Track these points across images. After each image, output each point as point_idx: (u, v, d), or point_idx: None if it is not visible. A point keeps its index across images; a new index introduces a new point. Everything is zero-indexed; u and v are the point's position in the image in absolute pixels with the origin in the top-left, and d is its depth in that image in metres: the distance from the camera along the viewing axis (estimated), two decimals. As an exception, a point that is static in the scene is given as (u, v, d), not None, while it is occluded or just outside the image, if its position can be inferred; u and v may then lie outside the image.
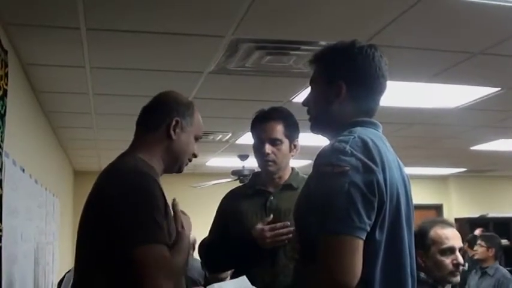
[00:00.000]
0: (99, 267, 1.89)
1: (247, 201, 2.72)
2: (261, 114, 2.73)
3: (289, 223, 2.51)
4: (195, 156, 2.19)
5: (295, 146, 2.71)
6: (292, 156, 2.72)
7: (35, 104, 4.47)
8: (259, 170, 2.80)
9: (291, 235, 2.50)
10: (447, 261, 2.54)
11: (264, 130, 2.66)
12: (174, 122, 2.07)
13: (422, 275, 2.50)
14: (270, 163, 2.65)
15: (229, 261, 2.73)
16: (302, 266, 1.76)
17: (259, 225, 2.55)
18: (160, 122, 2.09)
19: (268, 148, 2.63)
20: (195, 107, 2.17)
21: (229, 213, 2.74)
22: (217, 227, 2.79)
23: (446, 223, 2.66)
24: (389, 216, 1.65)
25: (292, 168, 2.78)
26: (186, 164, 2.18)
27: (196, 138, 2.18)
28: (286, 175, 2.74)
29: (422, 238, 2.55)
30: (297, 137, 2.72)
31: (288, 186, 2.70)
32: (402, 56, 3.47)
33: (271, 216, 2.58)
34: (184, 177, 5.22)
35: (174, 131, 2.08)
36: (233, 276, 2.74)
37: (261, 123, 2.69)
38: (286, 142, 2.67)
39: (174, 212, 2.04)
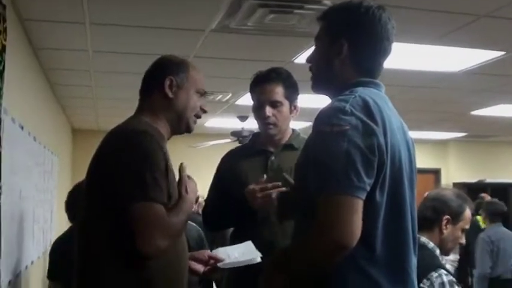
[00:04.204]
0: (100, 224, 1.95)
1: (248, 160, 2.71)
2: (260, 75, 2.69)
3: (280, 183, 2.48)
4: (204, 111, 2.21)
5: (295, 107, 2.70)
6: (293, 117, 2.71)
7: (33, 61, 4.42)
8: (259, 130, 2.78)
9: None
10: (460, 239, 2.64)
11: (264, 92, 2.64)
12: (168, 81, 2.11)
13: (422, 239, 2.52)
14: (270, 126, 2.64)
15: (228, 220, 2.73)
16: (302, 226, 1.76)
17: (251, 186, 2.53)
18: (156, 85, 2.12)
19: (268, 111, 2.61)
20: (188, 63, 2.18)
21: (229, 173, 2.73)
22: (217, 186, 2.77)
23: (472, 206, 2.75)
24: (390, 178, 1.64)
25: (293, 130, 2.77)
26: (195, 122, 2.20)
27: (200, 93, 2.18)
28: (287, 136, 2.73)
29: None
30: (297, 98, 2.70)
31: (289, 146, 2.69)
32: (407, 17, 3.41)
33: (265, 176, 2.55)
34: (183, 137, 5.21)
35: (171, 90, 2.11)
36: (232, 236, 2.74)
37: (260, 85, 2.66)
38: (286, 104, 2.65)
39: (180, 175, 2.08)
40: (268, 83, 2.64)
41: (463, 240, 2.67)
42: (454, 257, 4.85)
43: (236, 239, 2.59)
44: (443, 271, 2.42)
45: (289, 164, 2.57)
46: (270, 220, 2.53)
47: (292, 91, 2.67)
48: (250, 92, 2.74)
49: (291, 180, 2.17)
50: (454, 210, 2.59)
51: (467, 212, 2.63)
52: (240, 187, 2.59)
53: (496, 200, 6.33)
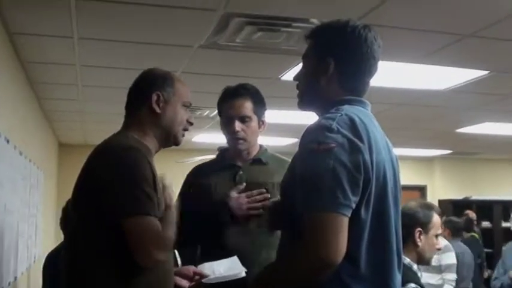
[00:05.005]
0: (89, 240, 1.95)
1: (216, 175, 2.71)
2: (228, 91, 2.72)
3: (265, 190, 2.55)
4: (190, 123, 2.21)
5: (263, 122, 2.73)
6: (261, 132, 2.74)
7: (20, 74, 4.40)
8: (226, 145, 2.80)
9: (267, 202, 2.51)
10: (436, 245, 2.71)
11: (233, 107, 2.66)
12: (155, 97, 2.10)
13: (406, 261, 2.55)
14: (240, 141, 2.66)
15: (196, 237, 2.70)
16: (287, 243, 1.77)
17: (234, 193, 2.55)
18: (143, 100, 2.12)
19: (238, 125, 2.64)
20: (173, 77, 2.19)
21: (196, 187, 2.72)
22: (184, 202, 2.70)
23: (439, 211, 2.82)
24: (375, 195, 1.66)
25: (260, 145, 2.79)
26: (183, 135, 2.20)
27: (186, 106, 2.19)
28: (255, 151, 2.75)
29: (426, 219, 2.68)
30: (264, 113, 2.74)
31: (257, 161, 2.72)
32: (393, 36, 3.45)
33: (244, 184, 2.58)
34: (171, 153, 5.19)
35: (158, 105, 2.11)
36: (202, 253, 2.72)
37: (229, 100, 2.69)
38: (255, 119, 2.68)
39: (162, 186, 2.08)
40: (237, 98, 2.67)
41: (440, 245, 2.75)
42: (452, 276, 4.86)
43: (206, 255, 2.59)
44: (412, 285, 2.45)
45: (257, 179, 2.64)
46: (240, 231, 2.56)
47: (260, 106, 2.71)
48: (219, 107, 2.75)
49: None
50: (423, 221, 2.66)
51: (435, 218, 2.70)
52: (208, 202, 2.59)
53: (455, 218, 6.57)
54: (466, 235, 7.55)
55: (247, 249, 2.53)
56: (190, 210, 2.59)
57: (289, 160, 2.74)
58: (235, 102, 2.66)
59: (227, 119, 2.68)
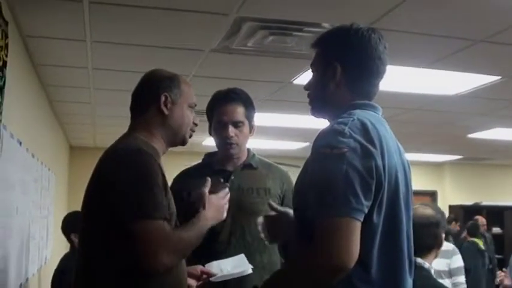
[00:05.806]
0: (101, 243, 1.94)
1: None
2: (220, 96, 2.71)
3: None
4: (195, 124, 2.21)
5: (253, 127, 2.74)
6: (251, 136, 2.74)
7: (33, 77, 4.44)
8: (212, 150, 2.80)
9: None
10: None
11: (226, 113, 2.65)
12: (163, 98, 2.10)
13: (418, 260, 2.55)
14: (233, 146, 2.66)
15: None
16: (299, 247, 1.77)
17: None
18: (150, 102, 2.11)
19: (231, 131, 2.63)
20: (180, 78, 2.18)
21: (186, 193, 2.67)
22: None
23: None
24: (387, 199, 1.65)
25: (248, 150, 2.79)
26: (190, 136, 2.21)
27: (192, 107, 2.19)
28: (244, 156, 2.75)
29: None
30: (254, 118, 2.74)
31: (248, 166, 2.72)
32: (404, 41, 3.46)
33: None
34: (181, 156, 5.22)
35: (166, 106, 2.11)
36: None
37: (222, 105, 2.67)
38: (246, 123, 2.68)
39: (202, 192, 2.14)
40: (230, 104, 2.66)
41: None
42: (462, 278, 4.91)
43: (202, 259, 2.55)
44: None
45: (249, 184, 2.63)
46: (231, 241, 2.57)
47: (250, 110, 2.71)
48: (210, 112, 2.74)
49: (277, 207, 2.17)
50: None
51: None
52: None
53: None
54: (469, 239, 7.57)
55: (253, 259, 2.52)
56: (182, 215, 2.62)
57: (275, 164, 2.79)
58: (227, 108, 2.65)
59: (219, 124, 2.67)
